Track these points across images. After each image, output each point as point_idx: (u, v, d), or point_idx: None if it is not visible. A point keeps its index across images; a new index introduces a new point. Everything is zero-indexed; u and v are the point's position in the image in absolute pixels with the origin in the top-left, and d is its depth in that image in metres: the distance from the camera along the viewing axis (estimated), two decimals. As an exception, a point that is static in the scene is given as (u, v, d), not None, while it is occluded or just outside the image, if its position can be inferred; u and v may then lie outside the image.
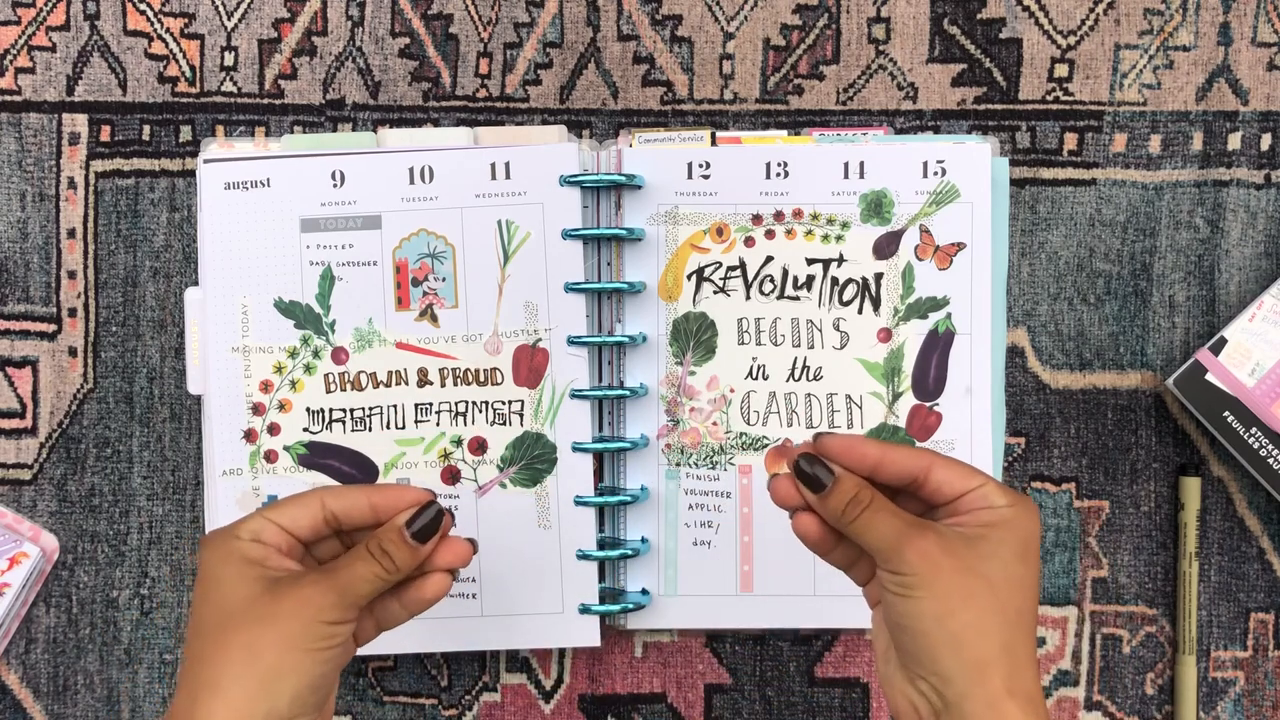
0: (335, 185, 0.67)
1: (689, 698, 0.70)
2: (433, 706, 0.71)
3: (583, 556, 0.67)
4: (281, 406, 0.68)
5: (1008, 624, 0.49)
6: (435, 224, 0.67)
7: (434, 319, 0.67)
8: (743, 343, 0.68)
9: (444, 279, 0.67)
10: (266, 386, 0.67)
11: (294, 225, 0.67)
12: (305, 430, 0.68)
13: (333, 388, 0.68)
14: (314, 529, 0.54)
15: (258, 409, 0.68)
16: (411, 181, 0.67)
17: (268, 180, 0.67)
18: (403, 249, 0.67)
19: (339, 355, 0.67)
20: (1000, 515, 0.51)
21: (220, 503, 0.68)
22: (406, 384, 0.67)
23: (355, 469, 0.67)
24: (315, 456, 0.68)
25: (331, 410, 0.67)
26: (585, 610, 0.67)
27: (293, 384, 0.67)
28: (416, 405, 0.67)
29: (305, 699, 0.50)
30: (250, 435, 0.68)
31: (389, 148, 0.68)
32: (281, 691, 0.49)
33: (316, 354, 0.67)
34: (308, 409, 0.68)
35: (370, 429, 0.67)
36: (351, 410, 0.67)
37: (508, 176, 0.67)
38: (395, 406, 0.67)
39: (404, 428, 0.67)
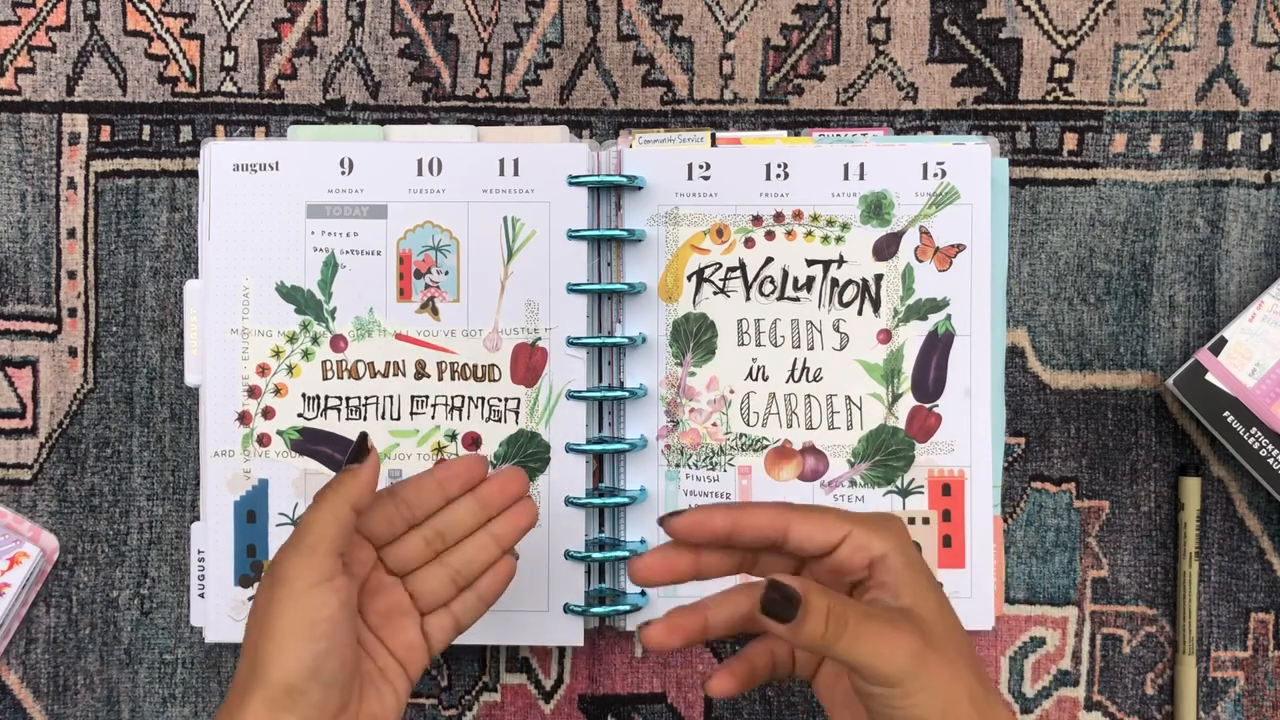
0: (343, 172, 0.67)
1: (689, 698, 0.70)
2: (433, 706, 0.70)
3: (570, 557, 0.67)
4: (277, 391, 0.68)
5: (970, 670, 0.49)
6: (441, 217, 0.67)
7: (435, 312, 0.67)
8: (742, 344, 0.68)
9: (447, 272, 0.67)
10: (263, 370, 0.68)
11: (300, 210, 0.67)
12: (300, 416, 0.68)
13: (330, 375, 0.68)
14: (388, 521, 0.56)
15: (253, 392, 0.68)
16: (419, 173, 0.67)
17: (276, 164, 0.67)
18: (407, 240, 0.67)
19: (338, 343, 0.67)
20: (890, 561, 0.50)
21: (211, 484, 0.68)
22: (404, 375, 0.67)
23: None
24: (308, 443, 0.68)
25: (327, 397, 0.68)
26: (570, 610, 0.67)
27: (290, 369, 0.67)
28: (413, 397, 0.67)
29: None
30: (244, 418, 0.68)
31: (396, 140, 0.68)
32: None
33: (315, 340, 0.67)
34: (303, 395, 0.68)
35: (365, 418, 0.67)
36: (347, 398, 0.68)
37: (516, 173, 0.67)
38: (391, 397, 0.67)
39: (399, 419, 0.68)
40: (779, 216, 0.67)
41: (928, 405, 0.67)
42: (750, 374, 0.68)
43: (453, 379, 0.67)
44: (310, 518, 0.52)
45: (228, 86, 0.71)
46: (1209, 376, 0.66)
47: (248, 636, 0.51)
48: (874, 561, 0.50)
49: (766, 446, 0.68)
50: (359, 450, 0.54)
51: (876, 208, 0.67)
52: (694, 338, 0.68)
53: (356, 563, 0.55)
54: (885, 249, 0.67)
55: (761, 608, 0.47)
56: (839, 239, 0.67)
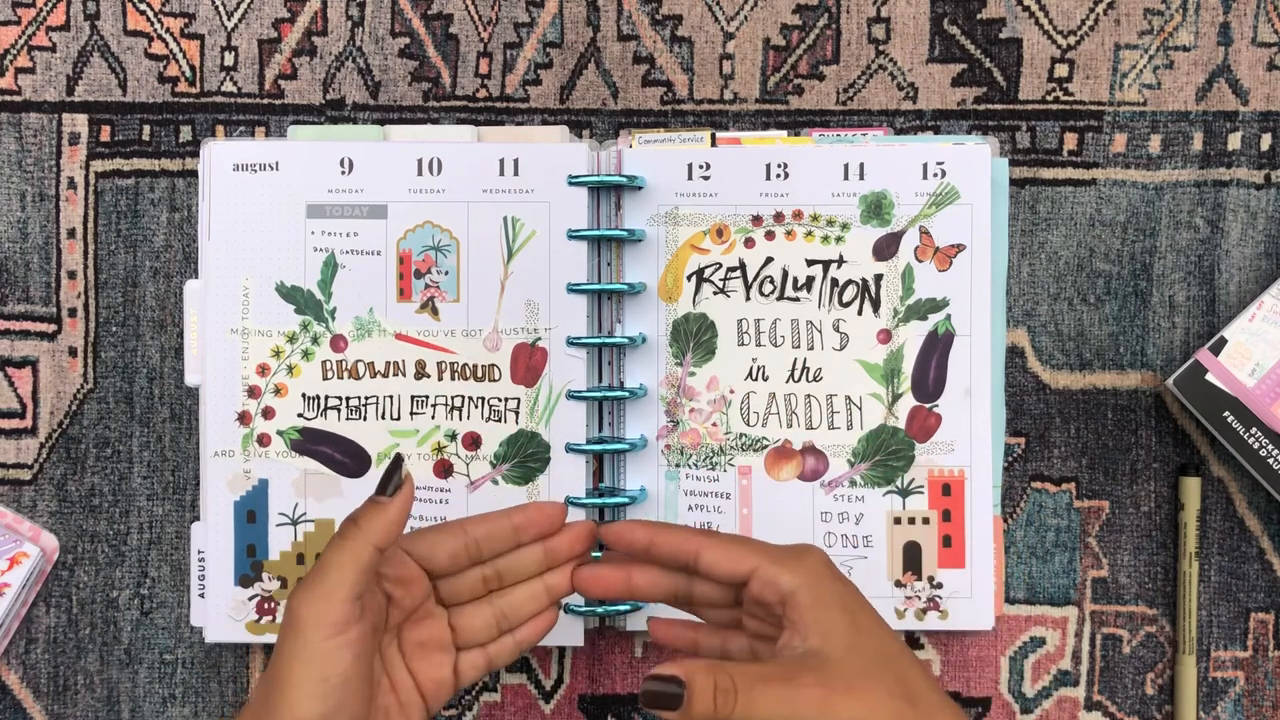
0: (343, 172, 0.67)
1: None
2: (432, 707, 0.70)
3: None
4: (277, 391, 0.68)
5: (896, 696, 0.49)
6: (441, 217, 0.67)
7: (434, 312, 0.67)
8: (742, 344, 0.68)
9: (447, 272, 0.67)
10: (263, 370, 0.68)
11: (300, 210, 0.67)
12: (300, 416, 0.68)
13: (330, 375, 0.68)
14: (453, 557, 0.56)
15: (253, 392, 0.68)
16: (419, 173, 0.67)
17: (276, 164, 0.67)
18: (407, 240, 0.67)
19: (338, 343, 0.68)
20: (798, 598, 0.51)
21: (211, 484, 0.68)
22: (404, 375, 0.67)
23: (348, 457, 0.67)
24: (308, 443, 0.68)
25: (327, 398, 0.68)
26: (570, 610, 0.67)
27: (290, 369, 0.67)
28: (413, 397, 0.67)
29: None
30: (244, 418, 0.68)
31: (396, 140, 0.68)
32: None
33: (315, 340, 0.67)
34: (303, 395, 0.68)
35: (365, 418, 0.68)
36: (347, 399, 0.68)
37: (516, 173, 0.67)
38: (391, 397, 0.67)
39: (399, 419, 0.68)
40: (779, 216, 0.67)
41: (928, 405, 0.67)
42: (750, 374, 0.68)
43: (453, 379, 0.67)
44: (330, 559, 0.51)
45: (228, 86, 0.71)
46: (1209, 376, 0.66)
47: (266, 670, 0.51)
48: (784, 598, 0.51)
49: (766, 446, 0.68)
50: (389, 480, 0.53)
51: (876, 208, 0.67)
52: (694, 338, 0.68)
53: (409, 595, 0.55)
54: (885, 249, 0.67)
55: (643, 703, 0.47)
56: (839, 239, 0.67)
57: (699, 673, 0.47)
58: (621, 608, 0.67)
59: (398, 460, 0.53)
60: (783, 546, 0.54)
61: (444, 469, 0.68)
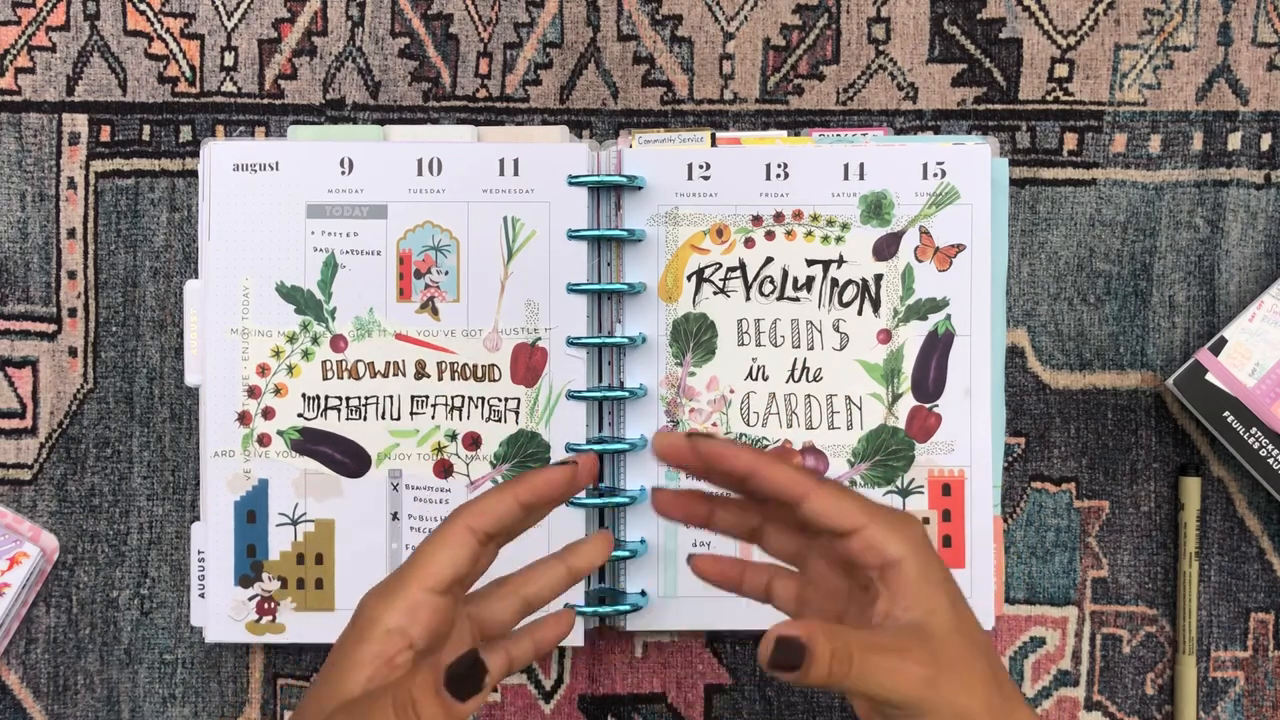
0: (343, 173, 0.67)
1: (689, 698, 0.70)
2: (432, 707, 0.70)
3: None
4: (277, 391, 0.68)
5: (987, 682, 0.48)
6: (441, 217, 0.67)
7: (434, 312, 0.67)
8: (742, 344, 0.68)
9: (447, 272, 0.67)
10: (263, 370, 0.68)
11: (300, 210, 0.67)
12: (300, 416, 0.68)
13: (330, 375, 0.68)
14: (504, 624, 0.54)
15: (253, 392, 0.68)
16: (419, 173, 0.67)
17: (276, 164, 0.67)
18: (407, 240, 0.67)
19: (338, 343, 0.68)
20: (904, 568, 0.49)
21: (211, 484, 0.68)
22: (404, 375, 0.67)
23: (348, 457, 0.67)
24: (308, 443, 0.68)
25: (327, 398, 0.68)
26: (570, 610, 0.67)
27: (290, 369, 0.67)
28: (413, 397, 0.67)
29: None
30: (244, 418, 0.68)
31: (396, 140, 0.68)
32: None
33: (315, 340, 0.68)
34: (303, 395, 0.68)
35: (365, 418, 0.68)
36: (347, 399, 0.68)
37: (516, 173, 0.67)
38: (391, 397, 0.67)
39: (399, 419, 0.68)
40: (779, 216, 0.67)
41: (928, 405, 0.67)
42: (750, 374, 0.68)
43: (453, 379, 0.67)
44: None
45: (228, 86, 0.71)
46: (1209, 376, 0.66)
47: None
48: (886, 565, 0.49)
49: (766, 446, 0.68)
50: (463, 681, 0.45)
51: (876, 208, 0.67)
52: (694, 338, 0.68)
53: (453, 654, 0.50)
54: (885, 249, 0.67)
55: (770, 664, 0.46)
56: (839, 239, 0.67)
57: (819, 637, 0.45)
58: (622, 608, 0.67)
59: (476, 662, 0.45)
60: (887, 510, 0.51)
61: (444, 469, 0.68)
